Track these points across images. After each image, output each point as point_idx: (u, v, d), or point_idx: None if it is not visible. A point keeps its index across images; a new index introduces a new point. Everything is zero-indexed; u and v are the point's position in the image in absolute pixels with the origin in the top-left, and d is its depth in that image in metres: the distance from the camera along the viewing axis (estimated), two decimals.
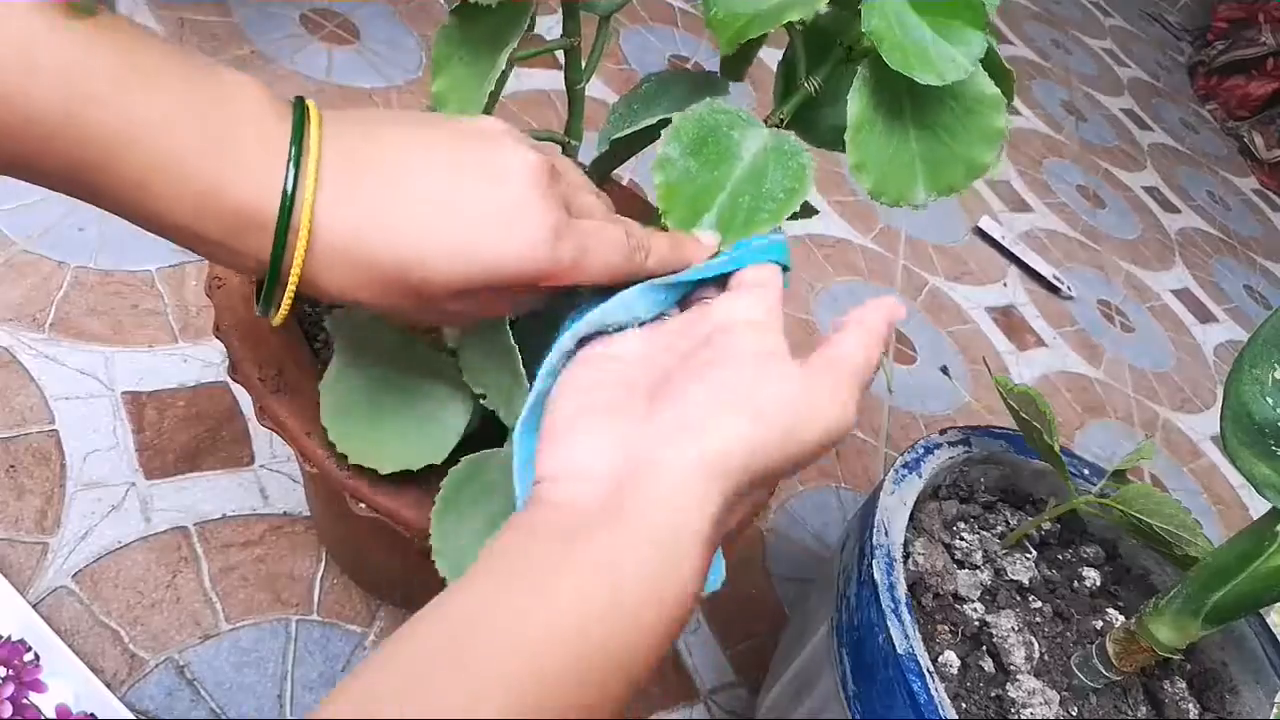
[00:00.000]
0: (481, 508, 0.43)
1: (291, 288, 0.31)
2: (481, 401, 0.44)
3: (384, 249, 0.30)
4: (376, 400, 0.45)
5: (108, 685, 0.57)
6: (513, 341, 0.40)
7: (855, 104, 0.42)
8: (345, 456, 0.44)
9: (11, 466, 0.64)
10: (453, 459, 0.44)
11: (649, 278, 0.37)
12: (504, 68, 0.42)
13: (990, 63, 0.41)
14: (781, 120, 0.46)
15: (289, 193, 0.30)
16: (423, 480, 0.45)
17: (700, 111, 0.43)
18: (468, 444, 0.45)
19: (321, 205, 0.30)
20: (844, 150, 0.43)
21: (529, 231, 0.32)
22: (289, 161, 0.30)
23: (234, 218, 0.30)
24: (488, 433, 0.46)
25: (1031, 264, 1.44)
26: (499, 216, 0.31)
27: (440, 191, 0.31)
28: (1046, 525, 0.66)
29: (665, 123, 0.49)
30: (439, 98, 0.43)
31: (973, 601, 0.58)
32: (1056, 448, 0.57)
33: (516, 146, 0.33)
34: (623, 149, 0.52)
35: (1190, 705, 0.58)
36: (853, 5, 0.41)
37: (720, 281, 0.39)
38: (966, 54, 0.39)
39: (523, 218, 0.32)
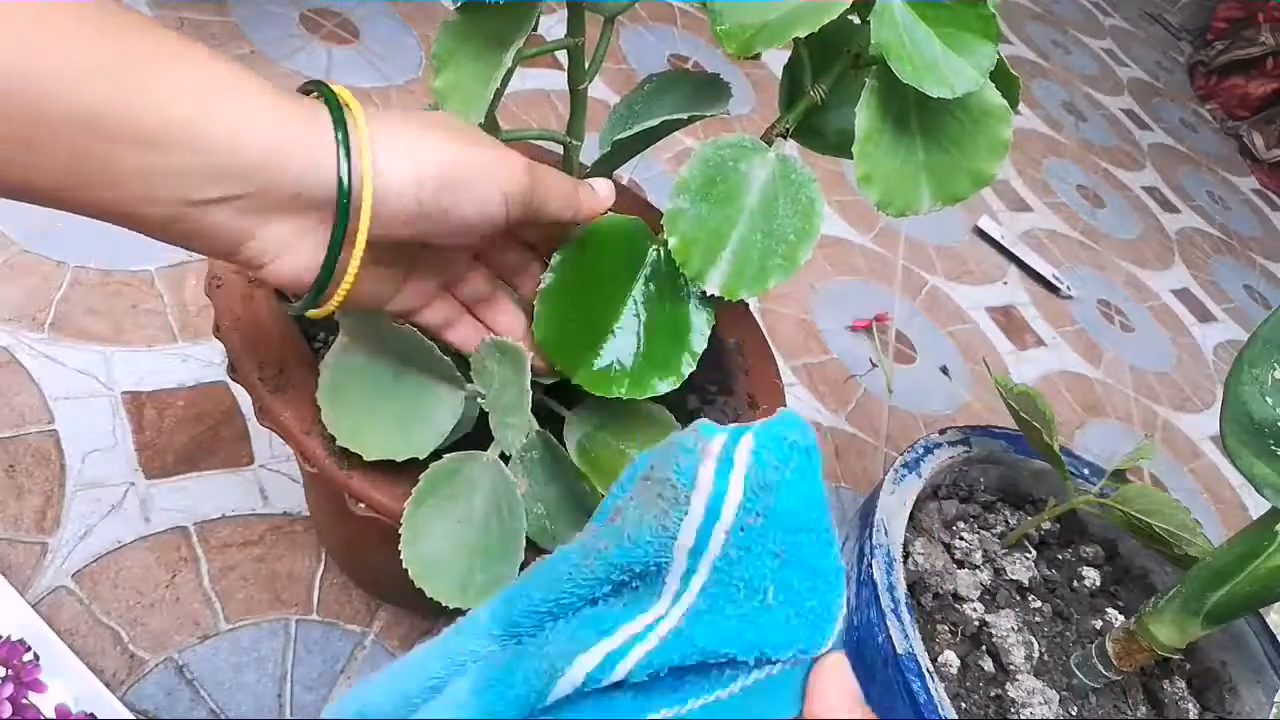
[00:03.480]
0: (456, 506, 0.43)
1: (360, 251, 0.35)
2: (481, 402, 0.44)
3: (438, 196, 0.35)
4: (371, 386, 0.45)
5: (107, 685, 0.57)
6: (529, 370, 0.41)
7: (864, 115, 0.41)
8: (334, 439, 0.45)
9: (11, 466, 0.64)
10: (439, 457, 0.44)
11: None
12: (510, 66, 0.42)
13: (996, 69, 0.41)
14: (787, 129, 0.46)
15: (345, 151, 0.33)
16: (415, 476, 0.45)
17: (705, 153, 0.44)
18: (458, 446, 0.45)
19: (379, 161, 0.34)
20: (849, 157, 0.43)
21: (515, 167, 0.38)
22: (334, 123, 0.33)
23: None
24: (479, 435, 0.46)
25: (1031, 264, 1.44)
26: (495, 159, 0.37)
27: (453, 145, 0.36)
28: (1046, 525, 0.66)
29: (666, 125, 0.49)
30: (441, 94, 0.43)
31: (972, 601, 0.58)
32: (1056, 447, 0.57)
33: (478, 131, 0.39)
34: (623, 150, 0.52)
35: (1190, 705, 0.58)
36: (860, 13, 0.41)
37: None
38: (977, 66, 0.39)
39: (509, 159, 0.38)
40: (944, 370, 1.18)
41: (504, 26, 0.42)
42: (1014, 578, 0.60)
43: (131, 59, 0.29)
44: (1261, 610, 0.61)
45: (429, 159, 0.35)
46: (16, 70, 0.26)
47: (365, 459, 0.44)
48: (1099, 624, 0.60)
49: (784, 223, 0.43)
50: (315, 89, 0.35)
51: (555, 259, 0.45)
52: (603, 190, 0.44)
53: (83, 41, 0.28)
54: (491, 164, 0.37)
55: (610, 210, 0.47)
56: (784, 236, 0.43)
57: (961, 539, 0.61)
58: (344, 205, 0.33)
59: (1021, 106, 1.87)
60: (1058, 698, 0.54)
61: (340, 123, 0.33)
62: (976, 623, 0.57)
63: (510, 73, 0.43)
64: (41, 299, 0.73)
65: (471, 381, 0.44)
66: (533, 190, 0.38)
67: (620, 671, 0.26)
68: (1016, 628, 0.56)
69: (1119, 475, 0.62)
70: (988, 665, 0.55)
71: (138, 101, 0.28)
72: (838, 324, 1.15)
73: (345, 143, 0.33)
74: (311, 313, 0.38)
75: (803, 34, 0.38)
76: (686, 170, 0.43)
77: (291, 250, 0.35)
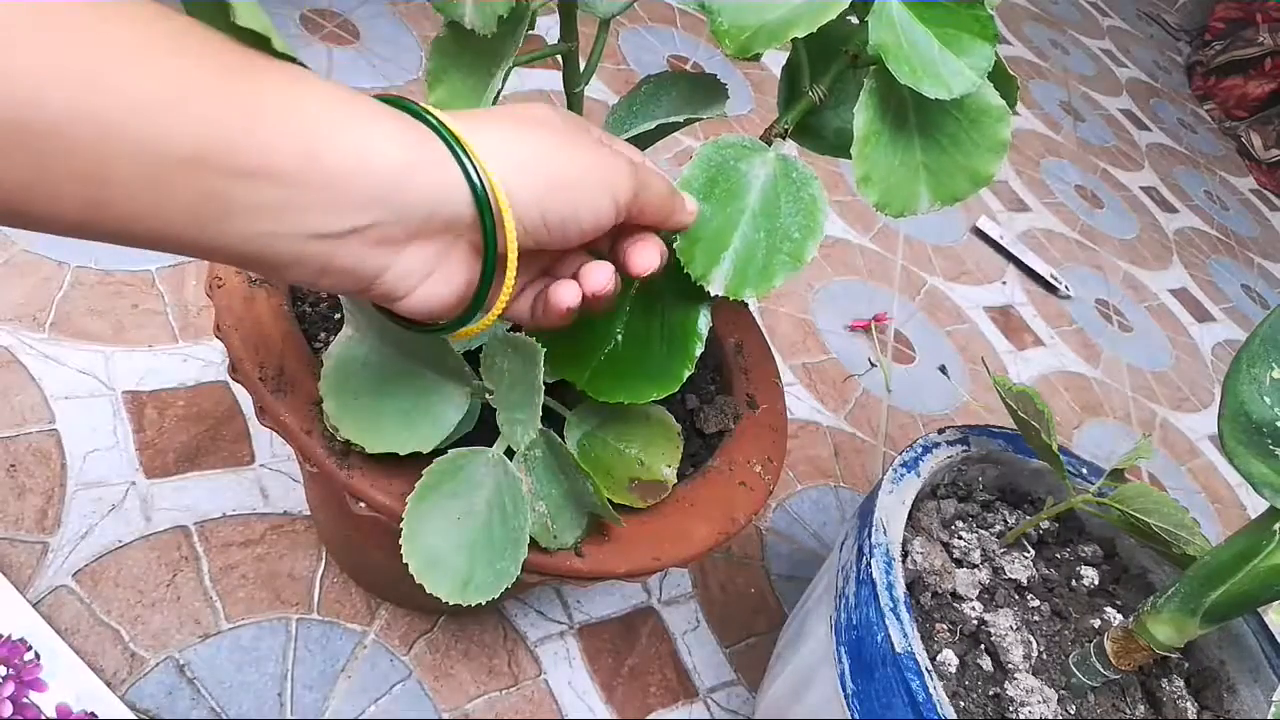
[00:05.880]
0: (459, 502, 0.43)
1: (512, 265, 0.34)
2: (488, 397, 0.44)
3: (557, 206, 0.34)
4: (376, 379, 0.45)
5: (108, 684, 0.57)
6: (542, 366, 0.40)
7: (862, 116, 0.42)
8: (334, 436, 0.45)
9: (12, 466, 0.64)
10: (442, 453, 0.44)
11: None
12: (502, 83, 0.42)
13: (994, 70, 0.41)
14: (786, 129, 0.46)
15: (476, 181, 0.31)
16: (415, 474, 0.45)
17: (707, 153, 0.44)
18: (457, 445, 0.45)
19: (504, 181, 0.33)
20: (848, 157, 0.43)
21: (624, 170, 0.37)
22: (454, 151, 0.31)
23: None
24: (483, 432, 0.46)
25: (1030, 264, 1.44)
26: (605, 162, 0.36)
27: (566, 153, 0.35)
28: (1045, 524, 0.66)
29: (662, 128, 0.49)
30: (438, 106, 0.43)
31: (971, 600, 0.58)
32: (1054, 447, 0.57)
33: (582, 126, 0.38)
34: None
35: (1188, 704, 0.58)
36: (858, 13, 0.41)
37: None
38: (974, 66, 0.39)
39: (616, 162, 0.36)
40: (942, 370, 1.18)
41: (493, 42, 0.43)
42: (1012, 577, 0.60)
43: (230, 83, 0.26)
44: (1260, 609, 0.61)
45: (546, 170, 0.34)
46: (100, 101, 0.24)
47: (367, 452, 0.44)
48: (1097, 623, 0.60)
49: (787, 221, 0.43)
50: (396, 104, 0.32)
51: None
52: (691, 205, 0.42)
53: (174, 65, 0.25)
54: (602, 168, 0.35)
55: None
56: (788, 234, 0.43)
57: (960, 538, 0.61)
58: (488, 221, 0.32)
59: (1020, 107, 1.88)
60: (1056, 696, 0.54)
61: (451, 138, 0.31)
62: (975, 621, 0.57)
63: (506, 79, 0.43)
64: (42, 299, 0.73)
65: (479, 377, 0.44)
66: (638, 195, 0.37)
67: None
68: (1015, 626, 0.56)
69: (1117, 474, 0.62)
70: (986, 664, 0.55)
71: (246, 130, 0.26)
72: (837, 324, 1.15)
73: (466, 160, 0.31)
74: (461, 332, 0.37)
75: (801, 34, 0.38)
76: (688, 170, 0.43)
77: (433, 276, 0.33)
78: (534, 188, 0.33)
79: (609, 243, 0.41)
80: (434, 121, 0.31)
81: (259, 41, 0.28)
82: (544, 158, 0.34)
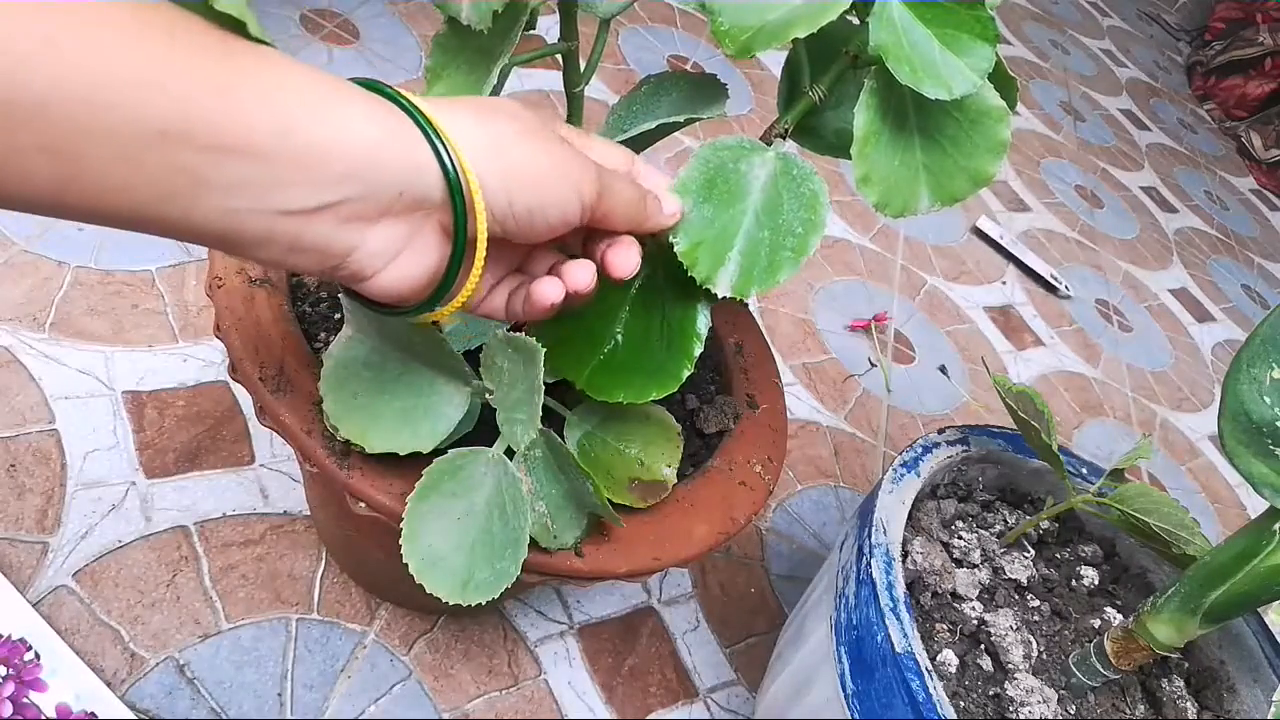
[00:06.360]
0: (459, 502, 0.43)
1: (481, 250, 0.35)
2: (488, 397, 0.44)
3: (524, 196, 0.35)
4: (376, 379, 0.45)
5: (108, 684, 0.57)
6: (542, 366, 0.40)
7: (862, 116, 0.42)
8: (334, 437, 0.45)
9: (12, 466, 0.64)
10: (442, 452, 0.44)
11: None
12: (496, 80, 0.42)
13: (994, 70, 0.41)
14: (786, 129, 0.46)
15: (447, 162, 0.32)
16: (415, 474, 0.45)
17: (704, 154, 0.44)
18: (457, 445, 0.45)
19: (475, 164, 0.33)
20: (847, 157, 0.43)
21: (589, 170, 0.37)
22: (425, 132, 0.32)
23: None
24: (483, 432, 0.46)
25: (1030, 264, 1.44)
26: (570, 159, 0.36)
27: (533, 144, 0.36)
28: (1045, 524, 0.66)
29: (663, 128, 0.49)
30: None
31: (971, 600, 0.58)
32: (1054, 447, 0.57)
33: (548, 124, 0.38)
34: None
35: (1188, 704, 0.58)
36: (858, 13, 0.41)
37: None
38: (974, 67, 0.39)
39: (582, 161, 0.37)
40: (942, 370, 1.18)
41: (491, 39, 0.43)
42: (1012, 577, 0.60)
43: (207, 63, 0.27)
44: (1259, 609, 0.62)
45: (513, 157, 0.34)
46: (83, 80, 0.24)
47: (367, 452, 0.44)
48: (1097, 623, 0.60)
49: (790, 217, 0.43)
50: (368, 87, 0.33)
51: None
52: (670, 206, 0.42)
53: (153, 46, 0.26)
54: (567, 164, 0.36)
55: None
56: (791, 230, 0.43)
57: (960, 538, 0.61)
58: (458, 200, 0.33)
59: (1020, 107, 1.88)
60: (1056, 696, 0.54)
61: (423, 120, 0.32)
62: (975, 621, 0.57)
63: (503, 80, 0.43)
64: (42, 299, 0.73)
65: (478, 377, 0.44)
66: (602, 198, 0.38)
67: None
68: (1015, 626, 0.56)
69: (1117, 474, 0.62)
70: (986, 664, 0.56)
71: (223, 108, 0.27)
72: (837, 324, 1.15)
73: (436, 141, 0.32)
74: (425, 317, 0.37)
75: (801, 34, 0.38)
76: (684, 172, 0.43)
77: (401, 256, 0.34)
78: (502, 174, 0.34)
79: (579, 243, 0.42)
80: (406, 104, 0.32)
81: (236, 27, 0.29)
82: (510, 146, 0.35)
